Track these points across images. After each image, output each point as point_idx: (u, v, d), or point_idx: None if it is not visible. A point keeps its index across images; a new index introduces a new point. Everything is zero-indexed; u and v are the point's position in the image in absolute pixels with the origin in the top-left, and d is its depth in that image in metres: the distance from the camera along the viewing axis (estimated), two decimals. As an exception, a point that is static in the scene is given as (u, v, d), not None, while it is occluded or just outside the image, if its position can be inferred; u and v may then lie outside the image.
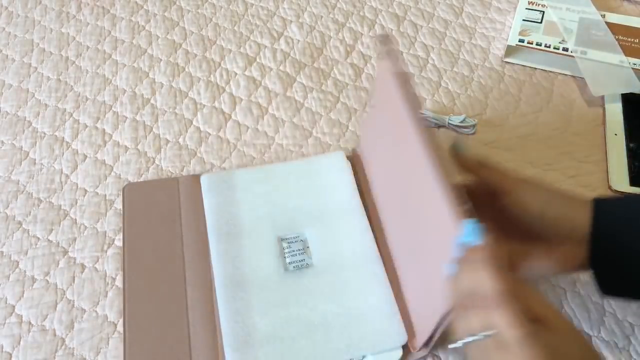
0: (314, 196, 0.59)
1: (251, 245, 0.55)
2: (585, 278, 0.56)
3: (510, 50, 0.75)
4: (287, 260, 0.55)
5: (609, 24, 0.75)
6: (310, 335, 0.50)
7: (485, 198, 0.45)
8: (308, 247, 0.56)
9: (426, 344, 0.49)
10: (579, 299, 0.55)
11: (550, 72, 0.74)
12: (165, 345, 0.50)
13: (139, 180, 0.62)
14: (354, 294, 0.52)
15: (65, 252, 0.57)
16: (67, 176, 0.62)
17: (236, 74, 0.73)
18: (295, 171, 0.61)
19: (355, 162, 0.62)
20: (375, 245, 0.55)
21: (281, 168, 0.61)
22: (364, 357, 0.50)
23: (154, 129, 0.67)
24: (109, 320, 0.53)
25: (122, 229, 0.57)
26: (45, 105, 0.69)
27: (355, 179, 0.61)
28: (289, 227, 0.57)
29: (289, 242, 0.56)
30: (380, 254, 0.55)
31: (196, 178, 0.60)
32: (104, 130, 0.67)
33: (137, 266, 0.55)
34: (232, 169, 0.63)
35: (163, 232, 0.57)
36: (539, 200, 0.44)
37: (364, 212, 0.58)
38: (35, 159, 0.64)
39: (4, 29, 0.78)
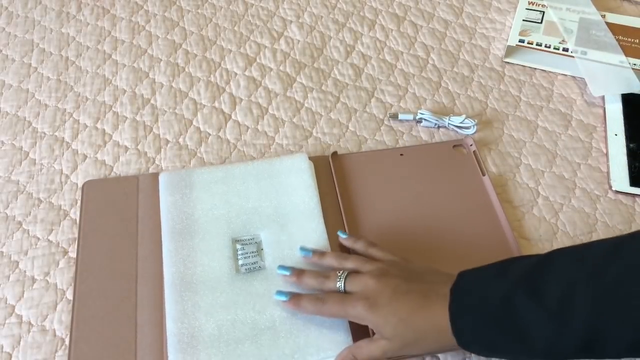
0: (273, 198, 0.58)
1: (204, 246, 0.54)
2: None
3: (510, 51, 0.75)
4: (240, 262, 0.54)
5: (609, 24, 0.75)
6: (256, 339, 0.49)
7: None
8: (262, 250, 0.55)
9: None
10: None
11: (550, 72, 0.74)
12: (111, 345, 0.50)
13: (99, 178, 0.62)
14: None
15: (65, 252, 0.57)
16: (67, 176, 0.62)
17: (236, 74, 0.73)
18: (256, 172, 0.60)
19: (336, 163, 0.62)
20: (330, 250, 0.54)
21: (241, 168, 0.60)
22: None
23: (154, 129, 0.67)
24: (109, 320, 0.53)
25: (78, 226, 0.57)
26: (45, 105, 0.69)
27: (335, 180, 0.60)
28: (244, 228, 0.56)
29: (242, 244, 0.55)
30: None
31: (156, 176, 0.60)
32: (104, 130, 0.67)
33: (90, 263, 0.54)
34: (193, 167, 0.62)
35: (119, 230, 0.57)
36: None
37: (322, 216, 0.57)
38: (35, 159, 0.64)
39: (4, 29, 0.78)
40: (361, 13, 0.81)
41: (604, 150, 0.66)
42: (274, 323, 0.50)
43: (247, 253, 0.54)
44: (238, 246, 0.55)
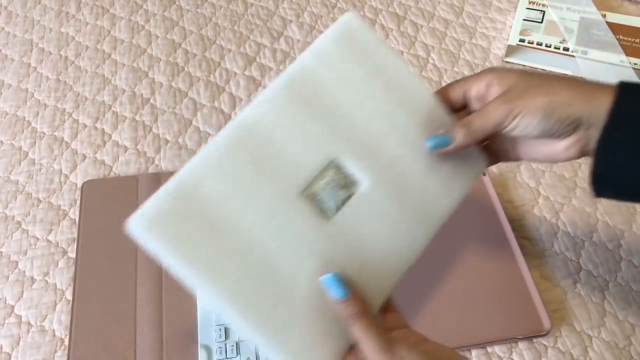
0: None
1: (297, 133, 0.42)
2: (585, 279, 0.56)
3: (510, 50, 0.75)
4: (317, 186, 0.40)
5: (609, 24, 0.75)
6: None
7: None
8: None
9: None
10: (579, 300, 0.55)
11: (551, 71, 0.74)
12: (111, 345, 0.50)
13: (98, 177, 0.62)
14: None
15: (65, 252, 0.57)
16: (66, 176, 0.62)
17: (236, 73, 0.73)
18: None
19: None
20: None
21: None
22: None
23: (153, 129, 0.67)
24: (108, 320, 0.53)
25: (78, 226, 0.57)
26: (45, 105, 0.69)
27: None
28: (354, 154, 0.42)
29: (338, 172, 0.41)
30: None
31: (156, 177, 0.61)
32: (103, 130, 0.67)
33: (90, 263, 0.55)
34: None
35: (119, 230, 0.56)
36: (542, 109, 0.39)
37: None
38: (34, 159, 0.64)
39: (3, 28, 0.78)
40: (361, 12, 0.81)
41: (605, 150, 0.66)
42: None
43: (332, 184, 0.40)
44: (330, 173, 0.40)
